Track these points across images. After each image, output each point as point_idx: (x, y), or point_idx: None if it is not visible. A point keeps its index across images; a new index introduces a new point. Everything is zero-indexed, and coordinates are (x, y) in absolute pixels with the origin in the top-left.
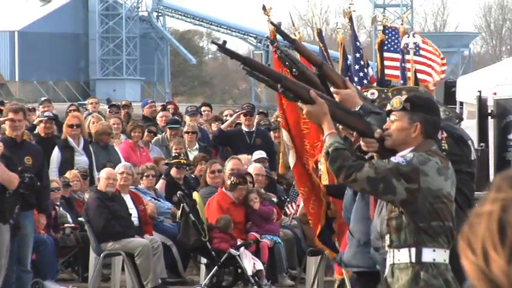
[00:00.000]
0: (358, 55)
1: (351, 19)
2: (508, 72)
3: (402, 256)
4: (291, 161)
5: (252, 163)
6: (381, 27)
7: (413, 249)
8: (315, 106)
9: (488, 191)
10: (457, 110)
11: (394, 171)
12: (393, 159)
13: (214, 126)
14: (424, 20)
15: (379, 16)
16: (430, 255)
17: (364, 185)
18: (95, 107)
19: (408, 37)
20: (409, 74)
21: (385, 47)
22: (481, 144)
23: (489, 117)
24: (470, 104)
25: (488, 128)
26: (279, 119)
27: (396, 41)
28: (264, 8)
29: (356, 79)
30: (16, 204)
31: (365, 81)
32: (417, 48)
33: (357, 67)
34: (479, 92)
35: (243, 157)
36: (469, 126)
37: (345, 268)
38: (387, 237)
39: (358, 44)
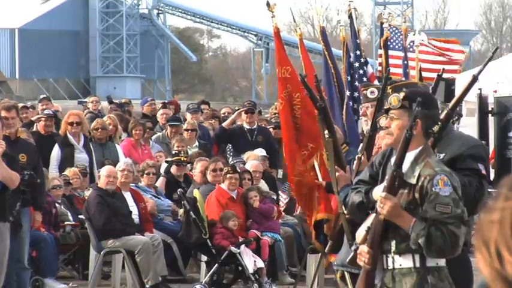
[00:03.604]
0: (358, 52)
1: (350, 16)
2: (508, 70)
3: (405, 261)
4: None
5: (250, 161)
6: (386, 25)
7: (417, 255)
8: (397, 198)
9: (495, 198)
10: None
11: (457, 204)
12: (441, 192)
13: (208, 124)
14: (425, 18)
15: (384, 14)
16: (434, 259)
17: (463, 239)
18: (96, 106)
19: (414, 35)
20: (413, 72)
21: (390, 45)
22: (482, 142)
23: (489, 115)
24: (470, 102)
25: (488, 125)
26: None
27: (399, 39)
28: (268, 4)
29: (356, 76)
30: (17, 201)
31: (364, 79)
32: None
33: (357, 65)
34: (480, 89)
35: (251, 154)
36: (469, 124)
37: (341, 268)
38: (393, 243)
39: (358, 41)
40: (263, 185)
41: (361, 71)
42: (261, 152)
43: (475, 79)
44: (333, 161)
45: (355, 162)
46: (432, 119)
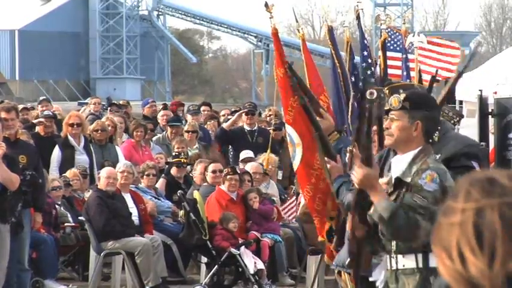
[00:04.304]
0: (365, 53)
1: (358, 17)
2: (508, 72)
3: (408, 261)
4: (297, 158)
5: (250, 162)
6: (384, 26)
7: (420, 255)
8: (373, 169)
9: (453, 198)
10: (457, 109)
11: (435, 202)
12: (427, 187)
13: (208, 126)
14: (425, 19)
15: (382, 15)
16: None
17: (424, 239)
18: (97, 107)
19: (413, 36)
20: (413, 74)
21: (390, 47)
22: (482, 143)
23: (490, 116)
24: (470, 103)
25: (488, 127)
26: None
27: (399, 40)
28: (266, 4)
29: (362, 77)
30: (18, 202)
31: (372, 80)
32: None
33: (364, 65)
34: (480, 91)
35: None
36: (469, 125)
37: (341, 269)
38: (393, 243)
39: (365, 42)
40: (273, 188)
41: (368, 72)
42: (247, 153)
43: (460, 75)
44: (322, 154)
45: (348, 155)
46: (433, 120)
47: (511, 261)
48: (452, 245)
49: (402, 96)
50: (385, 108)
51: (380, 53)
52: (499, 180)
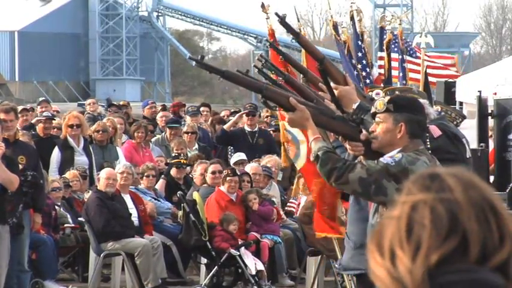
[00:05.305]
0: (360, 54)
1: (352, 18)
2: (508, 73)
3: None
4: (303, 155)
5: (250, 163)
6: (389, 27)
7: None
8: (296, 113)
9: (399, 193)
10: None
11: (384, 172)
12: (382, 159)
13: (205, 126)
14: (424, 20)
15: (387, 16)
16: None
17: (355, 187)
18: (94, 108)
19: (420, 37)
20: (415, 75)
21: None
22: (481, 144)
23: (489, 117)
24: (470, 104)
25: (488, 128)
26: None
27: (395, 41)
28: (262, 5)
29: (359, 77)
30: (19, 203)
31: (367, 81)
32: (413, 51)
33: (359, 66)
34: (480, 92)
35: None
36: (469, 127)
37: (344, 272)
38: None
39: (360, 43)
40: (274, 189)
41: (363, 73)
42: (239, 156)
43: None
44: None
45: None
46: (417, 123)
47: (434, 254)
48: (386, 240)
49: (386, 98)
50: (372, 111)
51: (381, 54)
52: (440, 176)
